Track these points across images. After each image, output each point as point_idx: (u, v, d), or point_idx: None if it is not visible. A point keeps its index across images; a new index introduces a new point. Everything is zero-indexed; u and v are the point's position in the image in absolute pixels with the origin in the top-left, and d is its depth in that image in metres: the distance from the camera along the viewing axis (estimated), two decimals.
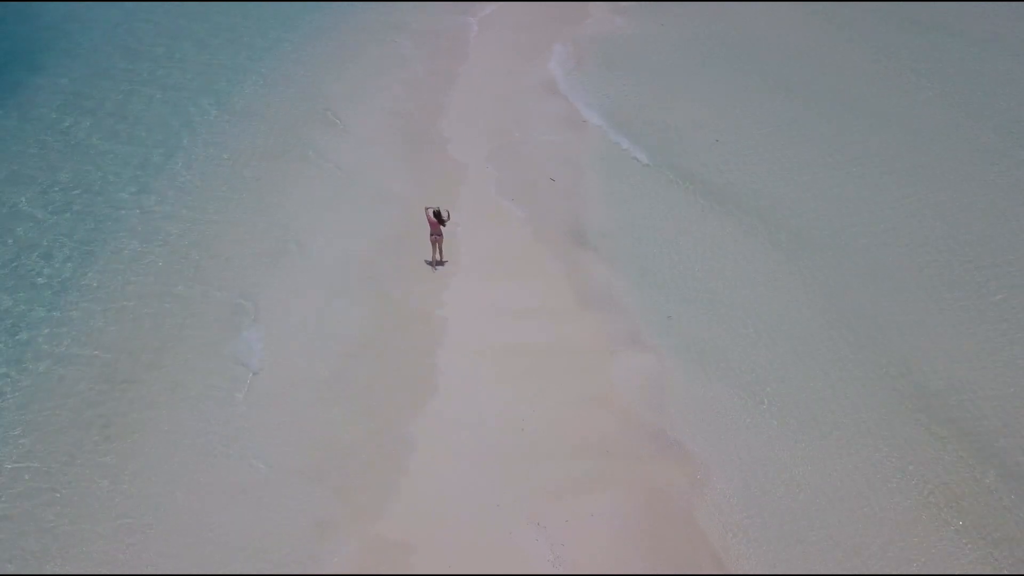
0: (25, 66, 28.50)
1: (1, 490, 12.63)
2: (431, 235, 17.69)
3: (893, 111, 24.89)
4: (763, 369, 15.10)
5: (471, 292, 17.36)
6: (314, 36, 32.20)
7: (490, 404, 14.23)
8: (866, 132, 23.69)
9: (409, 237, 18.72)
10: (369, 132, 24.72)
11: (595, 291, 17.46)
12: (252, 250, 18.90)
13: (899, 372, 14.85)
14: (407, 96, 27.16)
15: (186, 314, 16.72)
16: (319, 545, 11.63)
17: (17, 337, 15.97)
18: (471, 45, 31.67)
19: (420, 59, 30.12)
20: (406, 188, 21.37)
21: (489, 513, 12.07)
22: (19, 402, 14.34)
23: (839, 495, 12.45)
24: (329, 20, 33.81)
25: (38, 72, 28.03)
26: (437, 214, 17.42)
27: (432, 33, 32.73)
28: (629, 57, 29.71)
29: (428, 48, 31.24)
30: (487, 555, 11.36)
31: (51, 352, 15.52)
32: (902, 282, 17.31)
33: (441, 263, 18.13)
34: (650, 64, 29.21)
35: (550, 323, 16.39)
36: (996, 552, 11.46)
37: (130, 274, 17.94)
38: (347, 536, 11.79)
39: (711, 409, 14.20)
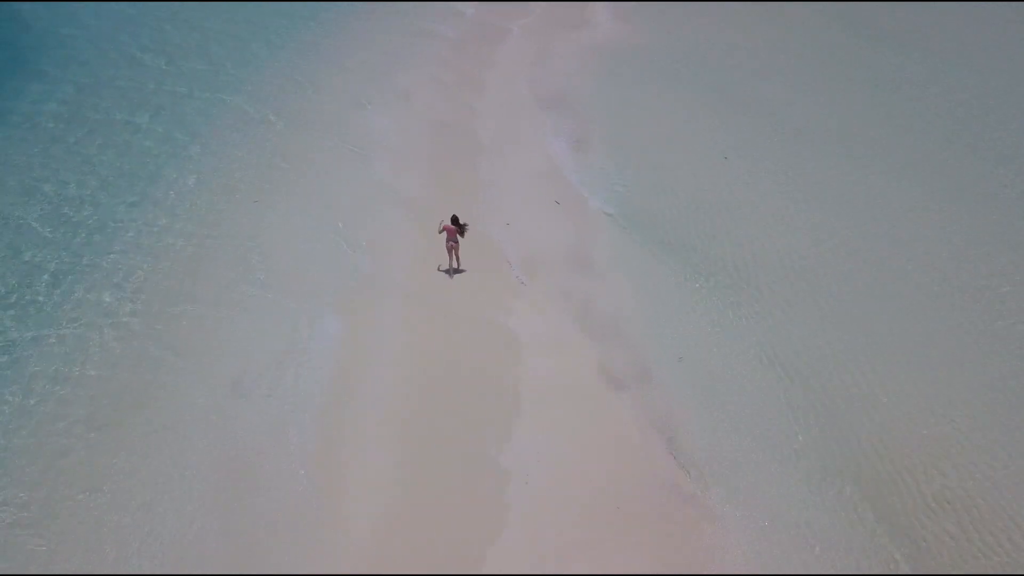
0: (28, 73, 27.65)
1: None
2: (448, 242, 17.28)
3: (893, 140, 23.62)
4: (782, 415, 14.06)
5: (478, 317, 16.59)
6: (354, 40, 31.97)
7: None
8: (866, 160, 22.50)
9: (435, 248, 18.06)
10: (399, 140, 24.18)
11: (603, 325, 16.41)
12: (302, 255, 18.43)
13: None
14: (439, 102, 26.79)
15: (242, 321, 16.15)
16: None
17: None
18: (503, 53, 31.44)
19: (454, 64, 29.91)
20: (429, 193, 20.96)
21: None
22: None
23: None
24: (362, 24, 33.80)
25: (41, 79, 27.14)
26: (455, 221, 17.00)
27: (470, 39, 32.51)
28: (642, 70, 29.05)
29: (463, 54, 30.98)
30: None
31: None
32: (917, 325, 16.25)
33: (459, 271, 17.72)
34: (658, 77, 28.45)
35: (554, 355, 15.41)
36: None
37: (184, 282, 17.33)
38: None
39: (727, 458, 13.18)
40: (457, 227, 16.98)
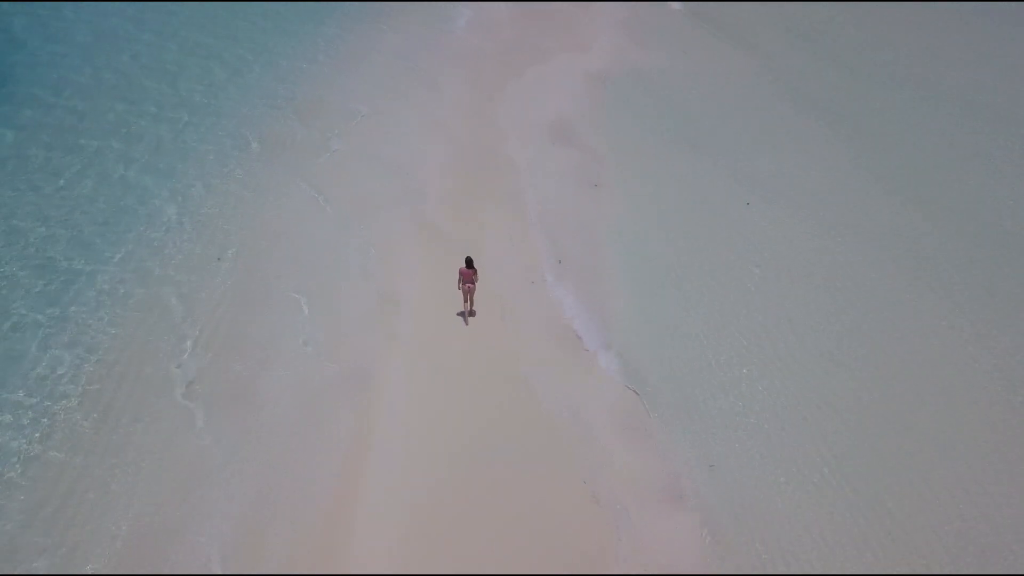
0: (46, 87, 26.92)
1: None
2: (463, 284, 16.36)
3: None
4: (840, 542, 11.95)
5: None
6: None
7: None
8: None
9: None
10: (424, 174, 23.13)
11: (622, 419, 14.42)
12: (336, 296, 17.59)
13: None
14: (467, 134, 25.72)
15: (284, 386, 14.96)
16: None
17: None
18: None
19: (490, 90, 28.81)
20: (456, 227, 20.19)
21: None
22: None
23: None
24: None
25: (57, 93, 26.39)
26: (469, 263, 16.21)
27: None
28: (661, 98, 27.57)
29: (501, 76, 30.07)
30: None
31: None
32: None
33: (471, 314, 16.90)
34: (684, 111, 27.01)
35: (564, 463, 13.39)
36: None
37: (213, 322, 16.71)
38: None
39: None
40: (471, 269, 16.18)
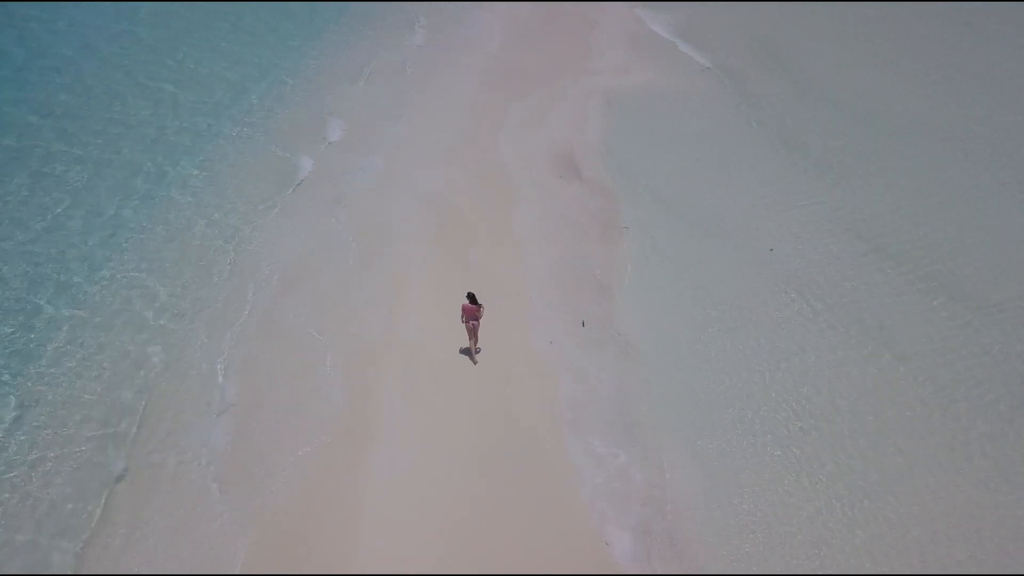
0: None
1: None
2: (467, 321, 15.70)
3: None
4: None
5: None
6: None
7: None
8: None
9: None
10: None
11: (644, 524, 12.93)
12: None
13: None
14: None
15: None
16: None
17: None
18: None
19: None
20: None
21: None
22: None
23: None
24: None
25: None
26: (473, 299, 15.42)
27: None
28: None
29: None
30: None
31: None
32: None
33: (476, 351, 16.20)
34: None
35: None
36: None
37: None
38: None
39: None
40: (476, 305, 15.46)
